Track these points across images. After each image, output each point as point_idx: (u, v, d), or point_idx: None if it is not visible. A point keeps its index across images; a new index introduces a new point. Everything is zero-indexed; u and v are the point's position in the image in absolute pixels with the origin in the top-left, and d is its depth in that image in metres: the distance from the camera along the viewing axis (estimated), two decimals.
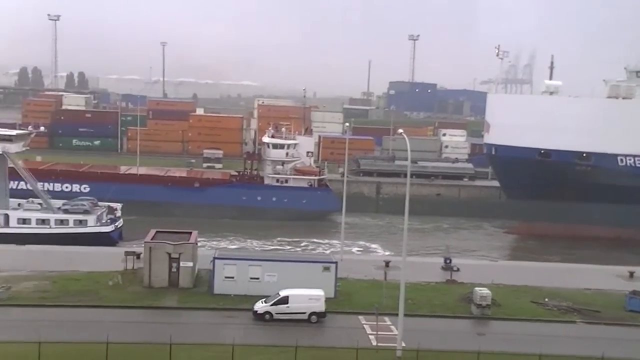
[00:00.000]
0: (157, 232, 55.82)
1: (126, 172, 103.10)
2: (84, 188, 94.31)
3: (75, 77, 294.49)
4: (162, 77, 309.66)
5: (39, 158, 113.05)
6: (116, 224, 78.68)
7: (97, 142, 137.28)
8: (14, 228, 73.74)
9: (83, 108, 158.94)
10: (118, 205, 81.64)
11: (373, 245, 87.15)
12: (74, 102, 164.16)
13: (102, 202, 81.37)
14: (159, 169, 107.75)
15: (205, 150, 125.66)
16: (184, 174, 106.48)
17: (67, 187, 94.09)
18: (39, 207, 77.14)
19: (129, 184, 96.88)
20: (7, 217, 74.65)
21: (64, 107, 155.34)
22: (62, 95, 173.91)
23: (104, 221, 77.89)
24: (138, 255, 56.38)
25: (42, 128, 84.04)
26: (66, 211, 76.50)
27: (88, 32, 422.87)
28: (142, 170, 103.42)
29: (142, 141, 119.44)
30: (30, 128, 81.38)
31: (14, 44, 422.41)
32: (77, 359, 36.48)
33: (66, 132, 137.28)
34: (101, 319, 44.45)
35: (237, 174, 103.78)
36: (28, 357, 34.97)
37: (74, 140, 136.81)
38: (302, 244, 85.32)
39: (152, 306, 48.26)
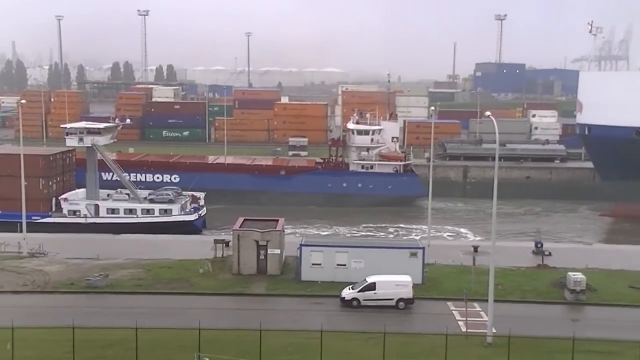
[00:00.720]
0: (244, 220, 56.68)
1: (214, 162, 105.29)
2: (174, 178, 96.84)
3: (164, 70, 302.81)
4: (247, 67, 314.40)
5: (131, 150, 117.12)
6: (199, 213, 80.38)
7: (185, 133, 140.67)
8: (104, 218, 76.56)
9: (172, 100, 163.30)
10: (201, 194, 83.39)
11: (461, 231, 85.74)
12: (163, 94, 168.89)
13: (186, 191, 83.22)
14: (245, 158, 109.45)
15: (290, 138, 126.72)
16: (270, 163, 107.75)
17: (158, 178, 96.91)
18: (127, 197, 79.69)
19: (216, 174, 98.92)
20: (97, 207, 77.46)
21: (153, 99, 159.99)
22: (152, 87, 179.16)
23: (187, 210, 79.66)
24: (227, 243, 57.48)
25: (128, 120, 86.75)
26: (152, 201, 78.77)
27: (175, 26, 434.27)
28: (229, 160, 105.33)
29: (229, 131, 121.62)
30: (117, 121, 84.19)
31: (106, 40, 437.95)
32: (171, 345, 37.53)
33: (156, 123, 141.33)
34: (193, 306, 45.62)
35: (322, 161, 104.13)
36: (126, 342, 36.21)
37: (163, 132, 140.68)
38: (389, 230, 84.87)
39: (241, 293, 49.13)
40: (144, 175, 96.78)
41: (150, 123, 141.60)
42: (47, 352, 36.34)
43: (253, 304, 47.43)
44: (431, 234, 67.29)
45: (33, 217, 70.72)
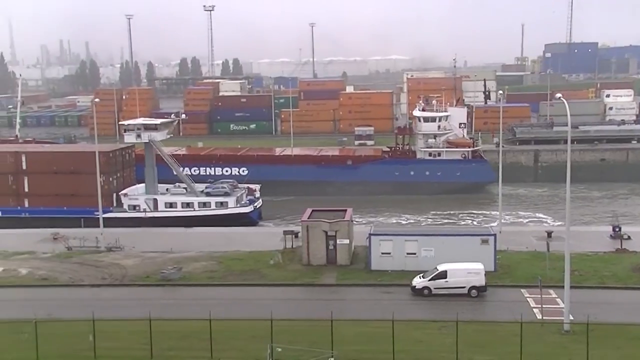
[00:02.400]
0: (313, 211, 56.88)
1: (281, 154, 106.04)
2: (243, 171, 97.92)
3: (230, 64, 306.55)
4: (312, 58, 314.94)
5: (200, 144, 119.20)
6: (255, 205, 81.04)
7: (252, 126, 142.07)
8: (162, 212, 78.08)
9: (238, 93, 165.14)
10: (257, 187, 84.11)
11: (534, 216, 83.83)
12: (229, 88, 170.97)
13: (242, 184, 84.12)
14: (312, 149, 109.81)
15: (356, 128, 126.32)
16: (336, 153, 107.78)
17: (227, 171, 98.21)
18: (184, 191, 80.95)
19: (284, 165, 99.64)
20: (155, 201, 79.05)
21: (220, 93, 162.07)
22: (218, 82, 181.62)
23: (243, 202, 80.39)
24: (296, 234, 57.83)
25: (183, 116, 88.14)
26: (208, 194, 79.78)
27: (240, 19, 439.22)
28: (296, 151, 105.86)
29: (295, 122, 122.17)
30: (172, 116, 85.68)
31: (174, 36, 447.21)
32: (244, 335, 38.07)
33: (224, 117, 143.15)
34: (264, 297, 46.14)
35: (389, 149, 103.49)
36: (201, 333, 36.90)
37: (231, 125, 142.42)
38: (459, 217, 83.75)
39: (312, 284, 49.40)
40: (213, 168, 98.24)
41: (218, 117, 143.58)
42: (126, 343, 37.40)
43: (324, 294, 47.60)
44: (502, 220, 66.00)
45: (95, 212, 72.84)
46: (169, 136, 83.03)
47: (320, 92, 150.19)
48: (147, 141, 78.79)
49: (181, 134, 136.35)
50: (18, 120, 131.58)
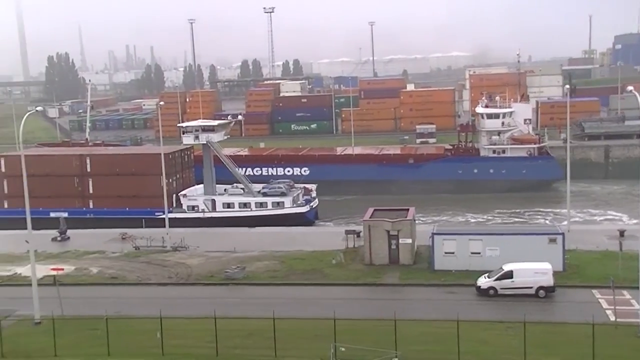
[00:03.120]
0: (375, 210, 56.59)
1: (342, 153, 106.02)
2: (304, 171, 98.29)
3: (291, 65, 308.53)
4: (372, 57, 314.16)
5: (262, 145, 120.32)
6: (311, 205, 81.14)
7: (313, 126, 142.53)
8: (220, 212, 78.94)
9: (299, 93, 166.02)
10: (313, 186, 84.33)
11: (605, 214, 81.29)
12: (290, 88, 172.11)
13: (298, 184, 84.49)
14: (373, 148, 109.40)
15: (417, 126, 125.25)
16: (397, 151, 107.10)
17: (288, 171, 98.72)
18: (242, 191, 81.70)
19: (345, 165, 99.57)
20: (214, 202, 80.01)
21: (281, 94, 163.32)
22: (279, 83, 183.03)
23: (299, 202, 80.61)
24: (358, 234, 57.65)
25: (239, 117, 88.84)
26: (265, 194, 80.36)
27: (300, 20, 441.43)
28: (357, 150, 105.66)
29: (356, 121, 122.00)
30: (229, 118, 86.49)
31: (235, 39, 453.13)
32: (307, 334, 38.15)
33: (285, 117, 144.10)
34: (327, 296, 46.10)
35: (451, 147, 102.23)
36: (265, 331, 37.16)
37: (292, 125, 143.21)
38: (525, 216, 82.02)
39: (374, 283, 49.13)
40: (274, 169, 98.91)
41: (279, 117, 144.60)
42: (192, 340, 37.99)
43: (386, 293, 47.31)
44: (572, 219, 64.25)
45: (156, 213, 74.34)
46: (225, 137, 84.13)
47: (380, 90, 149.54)
48: (205, 142, 79.95)
49: (243, 135, 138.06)
50: (88, 124, 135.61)
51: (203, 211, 78.76)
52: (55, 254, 60.04)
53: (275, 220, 74.54)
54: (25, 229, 43.96)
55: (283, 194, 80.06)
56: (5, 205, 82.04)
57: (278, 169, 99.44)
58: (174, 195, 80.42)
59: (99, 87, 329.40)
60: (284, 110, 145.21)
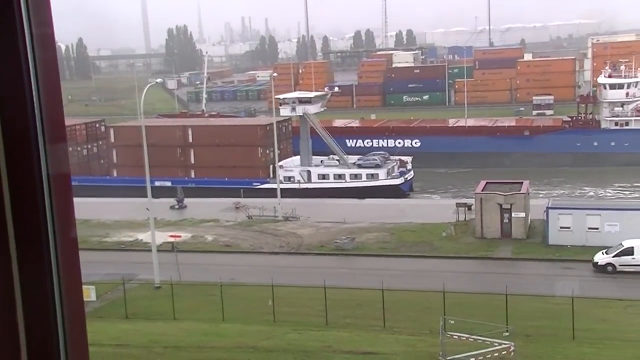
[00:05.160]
0: (487, 183, 55.46)
1: (454, 125, 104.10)
2: (415, 143, 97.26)
3: (404, 35, 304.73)
4: (488, 26, 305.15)
5: (373, 116, 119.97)
6: (406, 177, 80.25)
7: (425, 97, 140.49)
8: (315, 183, 79.57)
9: (411, 64, 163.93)
10: (408, 158, 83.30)
11: None
12: (402, 59, 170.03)
13: (393, 155, 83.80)
14: (486, 120, 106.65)
15: (534, 97, 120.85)
16: (512, 123, 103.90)
17: (399, 143, 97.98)
18: (337, 163, 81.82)
19: (457, 137, 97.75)
20: (309, 173, 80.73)
21: (394, 65, 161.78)
22: (392, 54, 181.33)
23: (394, 174, 79.83)
24: (469, 207, 56.72)
25: (336, 89, 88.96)
26: (359, 166, 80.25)
27: None
28: (470, 122, 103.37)
29: (469, 92, 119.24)
30: (326, 89, 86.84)
31: (349, 9, 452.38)
32: (417, 306, 38.15)
33: (397, 89, 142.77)
34: (437, 269, 45.82)
35: (570, 119, 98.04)
36: (374, 302, 37.42)
37: (404, 97, 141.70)
38: None
39: (486, 257, 48.35)
40: (385, 140, 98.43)
41: (391, 89, 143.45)
42: (303, 309, 38.86)
43: (498, 267, 46.47)
44: None
45: (253, 184, 76.06)
46: (322, 109, 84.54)
47: (496, 60, 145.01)
48: (302, 114, 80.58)
49: (354, 106, 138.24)
50: (204, 95, 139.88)
51: (299, 182, 79.85)
52: (173, 222, 62.81)
53: (369, 191, 74.65)
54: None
55: (377, 166, 79.94)
56: (115, 174, 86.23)
57: (389, 140, 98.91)
58: (271, 166, 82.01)
59: (215, 59, 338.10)
60: (396, 81, 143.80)
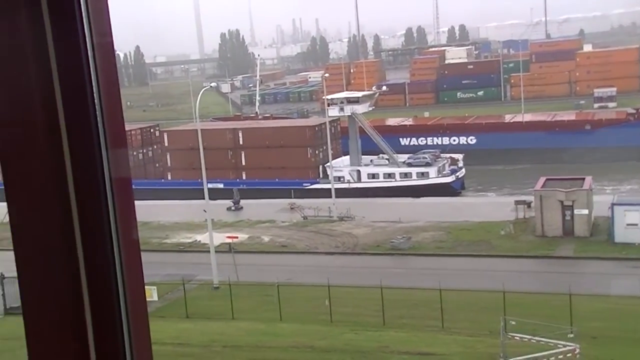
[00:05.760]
0: (547, 179, 54.38)
1: (510, 121, 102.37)
2: (470, 140, 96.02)
3: (456, 31, 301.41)
4: (544, 17, 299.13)
5: (426, 114, 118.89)
6: (457, 174, 79.13)
7: (480, 93, 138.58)
8: (364, 183, 79.21)
9: (465, 60, 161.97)
10: (459, 156, 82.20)
11: None
12: (455, 55, 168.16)
13: (444, 154, 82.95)
14: (544, 114, 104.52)
15: (595, 90, 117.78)
16: (572, 117, 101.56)
17: (454, 140, 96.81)
18: (387, 162, 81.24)
19: (513, 133, 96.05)
20: (359, 172, 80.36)
21: (446, 61, 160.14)
22: (444, 50, 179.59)
23: (445, 172, 78.80)
24: (529, 204, 55.65)
25: (384, 88, 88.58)
26: (409, 165, 79.46)
27: None
28: (527, 117, 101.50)
29: (526, 87, 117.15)
30: (373, 89, 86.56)
31: (399, 6, 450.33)
32: (475, 306, 37.63)
33: (450, 85, 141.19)
34: (495, 268, 45.03)
35: (635, 111, 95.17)
36: (431, 302, 37.05)
37: (457, 93, 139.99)
38: None
39: (547, 255, 47.35)
40: (440, 138, 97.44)
41: (444, 85, 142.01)
42: (359, 309, 38.77)
43: (560, 266, 45.45)
44: None
45: (304, 184, 76.36)
46: (370, 108, 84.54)
47: (553, 53, 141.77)
48: (350, 114, 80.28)
49: (407, 104, 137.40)
50: (257, 97, 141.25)
51: (348, 182, 79.67)
52: (230, 223, 63.55)
53: (419, 190, 73.97)
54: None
55: (428, 164, 79.18)
56: (169, 177, 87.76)
57: (443, 138, 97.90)
58: (321, 167, 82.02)
59: (267, 62, 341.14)
60: (450, 78, 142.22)
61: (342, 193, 75.82)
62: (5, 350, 35.04)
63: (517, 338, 31.03)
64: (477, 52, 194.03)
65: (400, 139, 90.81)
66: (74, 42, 1.89)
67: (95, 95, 1.94)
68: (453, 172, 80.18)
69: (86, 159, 1.92)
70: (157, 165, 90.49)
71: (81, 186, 1.91)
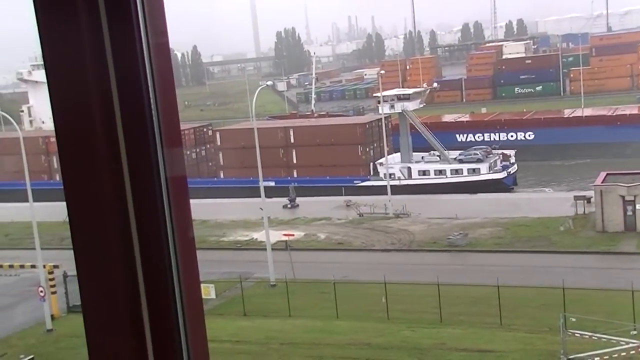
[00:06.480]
0: (607, 174, 53.07)
1: (570, 116, 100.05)
2: (529, 135, 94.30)
3: (514, 25, 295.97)
4: (605, 10, 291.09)
5: (484, 110, 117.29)
6: (509, 170, 77.74)
7: (538, 88, 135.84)
8: (415, 179, 78.40)
9: (522, 55, 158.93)
10: (512, 152, 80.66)
11: None
12: (513, 50, 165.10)
13: (496, 150, 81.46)
14: (605, 109, 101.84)
15: None
16: (634, 111, 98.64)
17: (512, 136, 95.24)
18: (438, 159, 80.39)
19: (573, 128, 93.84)
20: (409, 169, 79.61)
21: (504, 56, 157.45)
22: (501, 45, 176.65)
23: (496, 168, 77.51)
24: (588, 199, 54.42)
25: (435, 84, 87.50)
26: (460, 161, 78.49)
27: None
28: (587, 112, 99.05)
29: (586, 81, 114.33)
30: (424, 85, 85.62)
31: (455, 1, 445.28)
32: (534, 303, 37.03)
33: (508, 81, 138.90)
34: (555, 264, 44.25)
35: None
36: (489, 299, 36.65)
37: (515, 89, 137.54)
38: None
39: (608, 251, 46.25)
40: (497, 134, 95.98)
41: (502, 81, 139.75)
42: (416, 306, 38.58)
43: (622, 262, 44.33)
44: None
45: (354, 181, 76.07)
46: (421, 105, 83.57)
47: (615, 46, 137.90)
48: (401, 111, 79.77)
49: (464, 100, 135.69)
50: (313, 95, 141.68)
51: (399, 179, 79.04)
52: (286, 221, 63.94)
53: (471, 187, 72.99)
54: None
55: (479, 160, 78.08)
56: (222, 175, 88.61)
57: (501, 134, 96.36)
58: (371, 164, 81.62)
59: (322, 59, 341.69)
60: (507, 73, 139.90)
61: (393, 190, 75.40)
62: (68, 348, 36.11)
63: (578, 335, 30.42)
64: (535, 46, 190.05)
65: (457, 136, 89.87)
66: (131, 42, 1.93)
67: (151, 95, 1.97)
68: (505, 168, 79.09)
69: (142, 158, 1.95)
70: (210, 164, 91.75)
71: (138, 185, 1.95)
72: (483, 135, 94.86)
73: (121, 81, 1.93)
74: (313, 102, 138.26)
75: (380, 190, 74.18)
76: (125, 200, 1.94)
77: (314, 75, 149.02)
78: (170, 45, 2.18)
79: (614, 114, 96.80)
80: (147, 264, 1.96)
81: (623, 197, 48.98)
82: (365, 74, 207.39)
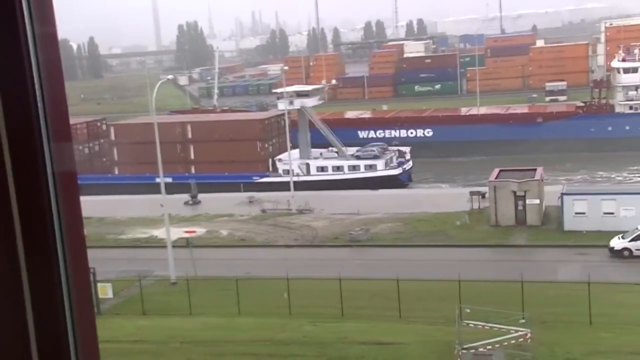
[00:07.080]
0: (500, 171, 55.30)
1: (466, 114, 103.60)
2: (427, 132, 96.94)
3: (414, 25, 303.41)
4: (499, 13, 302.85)
5: (384, 107, 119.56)
6: (404, 167, 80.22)
7: (437, 86, 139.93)
8: (313, 176, 79.52)
9: (423, 54, 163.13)
10: (407, 149, 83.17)
11: None
12: (414, 49, 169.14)
13: (391, 146, 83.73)
14: (499, 108, 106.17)
15: (547, 84, 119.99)
16: (525, 110, 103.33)
17: (411, 133, 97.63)
18: (336, 155, 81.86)
19: (469, 125, 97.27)
20: (308, 165, 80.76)
21: (405, 55, 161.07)
22: (402, 44, 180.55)
23: (392, 165, 79.73)
24: (483, 195, 56.56)
25: (333, 81, 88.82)
26: (358, 157, 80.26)
27: None
28: (482, 110, 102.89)
29: (481, 81, 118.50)
30: (324, 82, 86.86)
31: (357, 0, 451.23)
32: (431, 295, 38.13)
33: (408, 79, 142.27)
34: (451, 258, 45.78)
35: (583, 104, 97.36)
36: (388, 292, 37.45)
37: (415, 87, 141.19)
38: None
39: (501, 244, 48.25)
40: (397, 131, 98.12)
41: (403, 79, 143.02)
42: (318, 301, 38.90)
43: (513, 255, 46.41)
44: None
45: (253, 178, 76.20)
46: (320, 102, 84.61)
47: (508, 48, 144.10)
48: (299, 107, 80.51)
49: (366, 97, 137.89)
50: (216, 90, 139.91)
51: (298, 175, 79.65)
52: (188, 217, 63.04)
53: (368, 182, 74.56)
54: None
55: (376, 157, 79.89)
56: (116, 172, 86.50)
57: (401, 131, 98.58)
58: (270, 160, 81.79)
59: (226, 54, 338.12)
60: (408, 71, 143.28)
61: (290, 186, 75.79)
62: None
63: (472, 325, 31.56)
64: (434, 46, 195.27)
65: (359, 132, 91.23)
66: (14, 31, 1.83)
67: (37, 86, 1.88)
68: (400, 164, 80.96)
69: (27, 153, 1.87)
70: (103, 159, 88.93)
71: (22, 181, 1.86)
72: (384, 132, 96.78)
73: (2, 71, 1.83)
74: (216, 97, 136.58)
75: (280, 187, 74.11)
76: (7, 195, 1.85)
77: (216, 69, 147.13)
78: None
79: (507, 113, 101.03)
80: (32, 263, 1.88)
81: (514, 192, 51.21)
82: (269, 70, 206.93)
